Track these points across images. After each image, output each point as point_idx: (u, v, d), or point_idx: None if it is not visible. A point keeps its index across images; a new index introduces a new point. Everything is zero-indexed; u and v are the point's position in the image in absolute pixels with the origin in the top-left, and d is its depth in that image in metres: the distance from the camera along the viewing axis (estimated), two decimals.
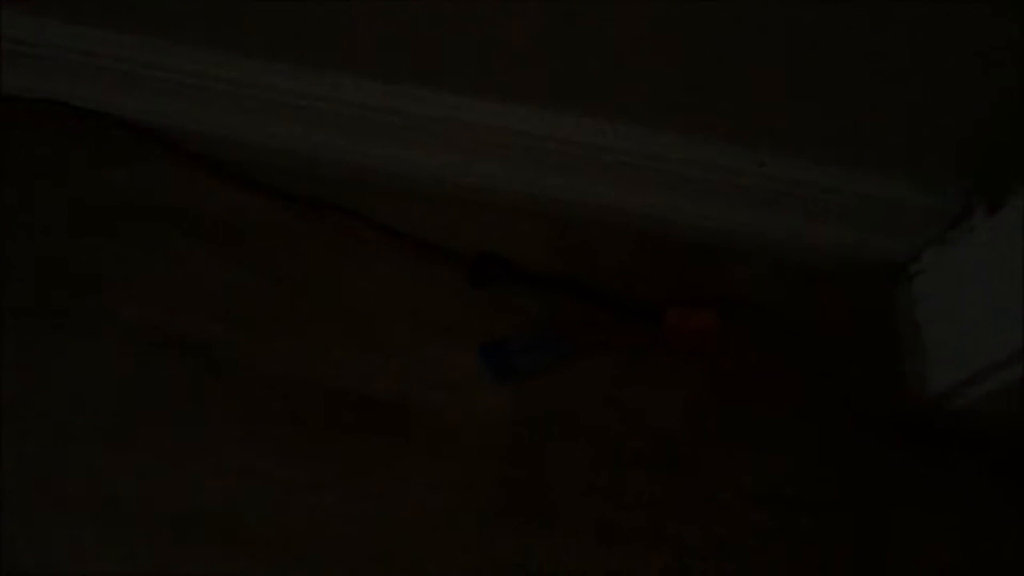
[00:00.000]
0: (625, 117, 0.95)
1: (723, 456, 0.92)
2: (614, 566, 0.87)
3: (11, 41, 0.98)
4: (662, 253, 1.03)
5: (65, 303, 0.94)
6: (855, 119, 0.91)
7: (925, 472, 0.93)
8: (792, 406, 0.95)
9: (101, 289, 0.95)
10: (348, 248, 1.00)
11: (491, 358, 0.95)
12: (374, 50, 0.94)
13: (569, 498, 0.90)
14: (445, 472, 0.90)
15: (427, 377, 0.94)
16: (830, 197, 0.97)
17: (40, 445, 0.86)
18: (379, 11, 0.89)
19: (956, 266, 0.96)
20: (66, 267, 0.96)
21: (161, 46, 0.96)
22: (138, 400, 0.89)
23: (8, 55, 0.99)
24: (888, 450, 0.94)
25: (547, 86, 0.94)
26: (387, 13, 0.89)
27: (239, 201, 1.01)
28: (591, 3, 0.85)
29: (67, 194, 1.00)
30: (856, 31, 0.83)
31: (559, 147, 0.98)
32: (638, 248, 1.03)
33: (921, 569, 0.89)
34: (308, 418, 0.91)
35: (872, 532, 0.90)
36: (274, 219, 1.01)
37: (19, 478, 0.84)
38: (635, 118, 0.95)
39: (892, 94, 0.87)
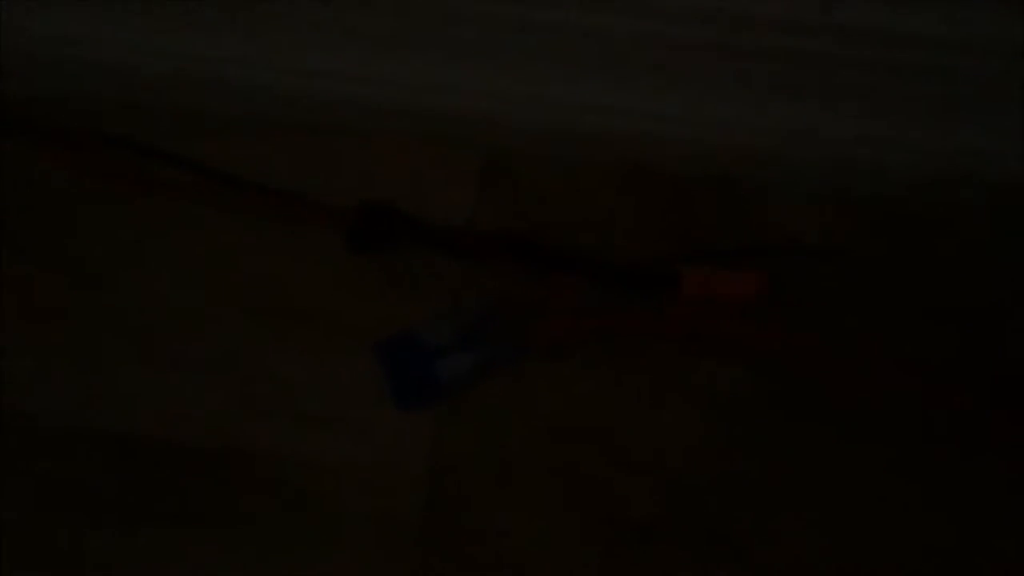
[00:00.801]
0: None
1: (793, 533, 0.55)
2: None
3: None
4: (657, 192, 0.65)
5: None
6: None
7: None
8: (915, 440, 0.58)
9: None
10: (160, 212, 0.62)
11: (395, 365, 0.57)
12: None
13: None
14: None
15: (289, 407, 0.57)
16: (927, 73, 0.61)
17: None
18: None
19: None
20: None
21: None
22: None
23: None
24: None
25: None
26: None
27: None
28: None
29: None
30: None
31: (484, 23, 0.62)
32: (621, 188, 0.65)
33: None
34: (101, 488, 0.54)
35: None
36: (45, 176, 0.63)
37: None
38: None
39: None
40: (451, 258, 0.61)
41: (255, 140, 0.64)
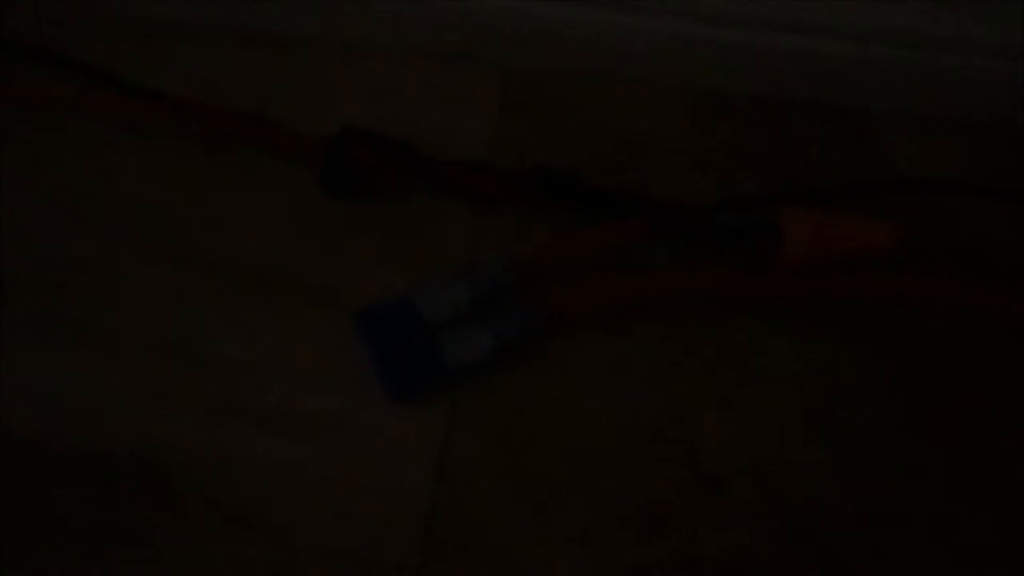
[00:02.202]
0: None
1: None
2: None
3: None
4: (735, 120, 0.50)
5: None
6: None
7: None
8: None
9: None
10: (69, 136, 0.47)
11: (383, 342, 0.42)
12: None
13: None
14: None
15: (235, 400, 0.41)
16: None
17: None
18: None
19: None
20: None
21: None
22: None
23: None
24: None
25: None
26: None
27: None
28: None
29: None
30: None
31: None
32: (686, 114, 0.50)
33: None
34: None
35: None
36: None
37: None
38: None
39: None
40: (461, 202, 0.46)
41: (204, 51, 0.50)
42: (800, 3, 0.48)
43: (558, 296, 0.43)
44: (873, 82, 0.49)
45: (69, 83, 0.48)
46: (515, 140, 0.48)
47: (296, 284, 0.44)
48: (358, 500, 0.39)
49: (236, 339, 0.43)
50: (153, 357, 0.42)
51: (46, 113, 0.48)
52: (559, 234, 0.45)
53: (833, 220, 0.42)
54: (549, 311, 0.43)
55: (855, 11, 0.48)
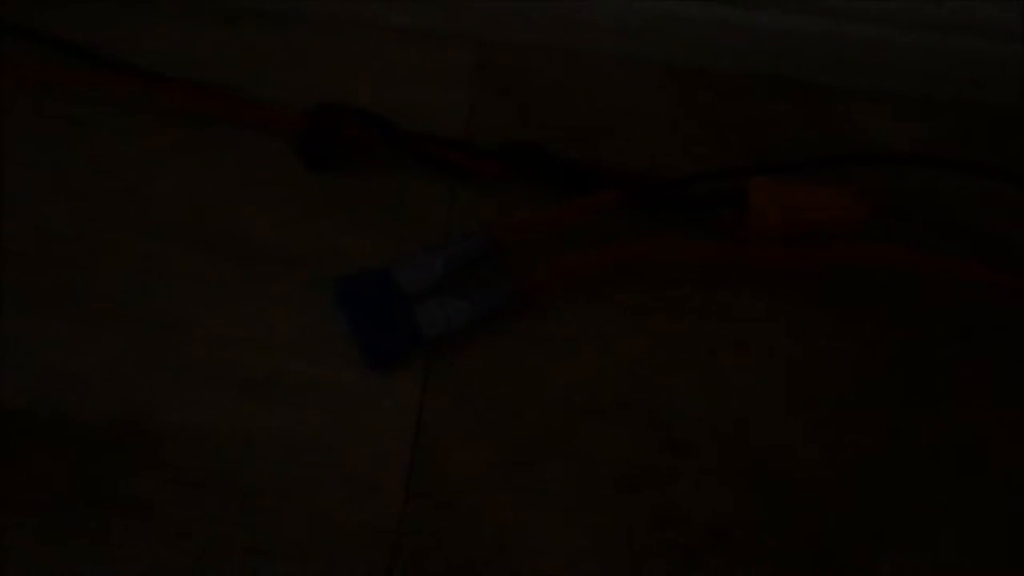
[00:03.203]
0: None
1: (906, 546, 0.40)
2: None
3: None
4: (705, 94, 0.51)
5: None
6: None
7: None
8: None
9: None
10: (50, 116, 0.47)
11: (362, 311, 0.43)
12: None
13: None
14: None
15: (219, 368, 0.42)
16: None
17: None
18: None
19: None
20: None
21: None
22: None
23: None
24: None
25: None
26: None
27: None
28: None
29: None
30: None
31: None
32: (658, 87, 0.51)
33: None
34: None
35: None
36: None
37: None
38: None
39: None
40: (439, 176, 0.46)
41: (175, 27, 0.50)
42: None
43: (534, 270, 0.44)
44: (845, 59, 0.50)
45: (44, 59, 0.48)
46: (490, 114, 0.49)
47: (275, 255, 0.44)
48: (341, 464, 0.40)
49: (216, 310, 0.43)
50: (134, 327, 0.42)
51: (22, 89, 0.48)
52: (535, 208, 0.46)
53: (801, 189, 0.43)
54: (525, 285, 0.44)
55: None
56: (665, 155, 0.48)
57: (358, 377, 0.42)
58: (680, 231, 0.45)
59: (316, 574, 0.38)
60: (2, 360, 0.41)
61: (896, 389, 0.43)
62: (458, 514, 0.39)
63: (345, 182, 0.47)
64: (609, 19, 0.50)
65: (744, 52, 0.50)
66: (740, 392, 0.42)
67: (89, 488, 0.39)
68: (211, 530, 0.38)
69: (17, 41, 0.48)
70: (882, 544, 0.39)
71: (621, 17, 0.50)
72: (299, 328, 0.43)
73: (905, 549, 0.39)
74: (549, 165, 0.46)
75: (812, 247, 0.44)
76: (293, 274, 0.44)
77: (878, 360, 0.43)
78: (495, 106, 0.49)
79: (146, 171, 0.46)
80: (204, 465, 0.40)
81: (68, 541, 0.38)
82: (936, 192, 0.47)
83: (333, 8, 0.51)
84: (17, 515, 0.38)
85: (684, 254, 0.44)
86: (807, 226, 0.43)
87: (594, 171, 0.46)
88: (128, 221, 0.45)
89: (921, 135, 0.49)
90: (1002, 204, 0.47)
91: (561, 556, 0.39)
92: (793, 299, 0.44)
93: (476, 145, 0.47)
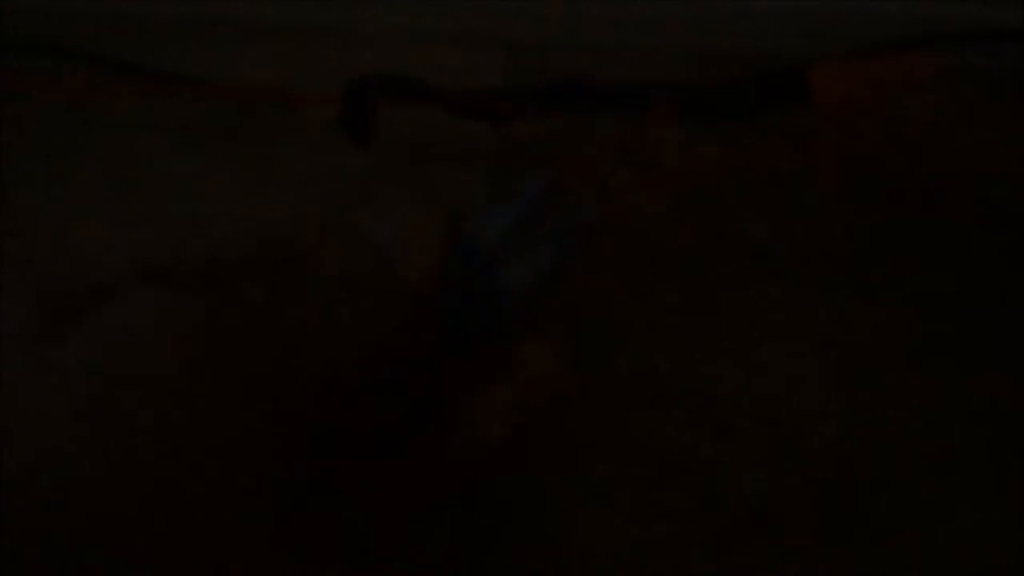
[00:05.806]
0: None
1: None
2: None
3: None
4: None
5: None
6: None
7: None
8: None
9: None
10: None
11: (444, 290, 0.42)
12: None
13: None
14: None
15: None
16: None
17: None
18: None
19: None
20: None
21: None
22: None
23: None
24: None
25: None
26: None
27: None
28: None
29: None
30: None
31: None
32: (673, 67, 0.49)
33: None
34: None
35: None
36: None
37: None
38: None
39: None
40: (478, 126, 0.46)
41: (218, 43, 0.50)
42: None
43: (596, 204, 0.43)
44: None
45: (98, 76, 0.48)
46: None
47: None
48: None
49: None
50: None
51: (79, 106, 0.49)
52: (586, 139, 0.45)
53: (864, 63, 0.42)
54: (596, 215, 0.42)
55: None
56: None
57: None
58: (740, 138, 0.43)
59: None
60: None
61: (937, 365, 0.41)
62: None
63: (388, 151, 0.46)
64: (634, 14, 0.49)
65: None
66: (779, 378, 0.41)
67: None
68: None
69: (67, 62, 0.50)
70: (918, 519, 0.38)
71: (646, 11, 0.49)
72: None
73: (943, 522, 0.38)
74: (587, 91, 0.45)
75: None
76: None
77: (916, 348, 0.41)
78: None
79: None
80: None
81: None
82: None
83: (362, 18, 0.50)
84: None
85: (751, 158, 0.43)
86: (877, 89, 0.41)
87: (638, 89, 0.45)
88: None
89: None
90: None
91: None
92: (834, 286, 0.42)
93: (513, 90, 0.46)
